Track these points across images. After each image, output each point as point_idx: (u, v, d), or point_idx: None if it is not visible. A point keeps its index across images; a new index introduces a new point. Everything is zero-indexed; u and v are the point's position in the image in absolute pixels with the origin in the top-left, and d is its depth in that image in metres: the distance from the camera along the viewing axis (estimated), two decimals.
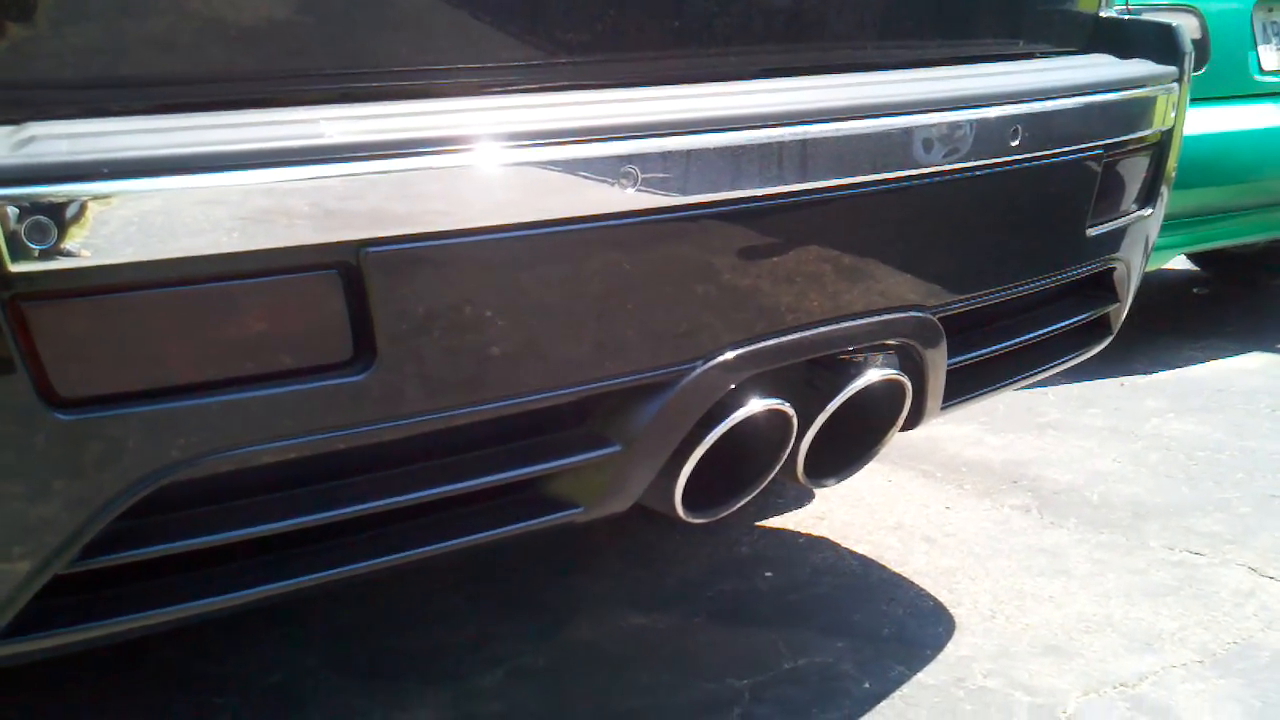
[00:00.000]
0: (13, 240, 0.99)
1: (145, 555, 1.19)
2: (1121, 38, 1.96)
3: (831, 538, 2.61)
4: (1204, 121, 3.58)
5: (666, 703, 2.00)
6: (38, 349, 1.04)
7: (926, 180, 1.55)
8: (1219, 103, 3.74)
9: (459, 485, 1.35)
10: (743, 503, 1.66)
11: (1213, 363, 3.89)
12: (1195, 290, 5.05)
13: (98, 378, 1.08)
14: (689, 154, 1.32)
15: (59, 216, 1.01)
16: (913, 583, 2.40)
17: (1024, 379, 1.99)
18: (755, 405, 1.51)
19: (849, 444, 1.77)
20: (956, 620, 2.25)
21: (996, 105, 1.61)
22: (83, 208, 1.01)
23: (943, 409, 1.80)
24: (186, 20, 1.11)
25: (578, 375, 1.35)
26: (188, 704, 2.03)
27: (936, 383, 1.74)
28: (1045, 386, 3.59)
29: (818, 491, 2.81)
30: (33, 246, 1.00)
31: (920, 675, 2.07)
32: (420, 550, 1.37)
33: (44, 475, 1.09)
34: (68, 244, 1.01)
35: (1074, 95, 1.73)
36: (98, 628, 1.20)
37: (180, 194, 1.05)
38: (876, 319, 1.60)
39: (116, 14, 1.08)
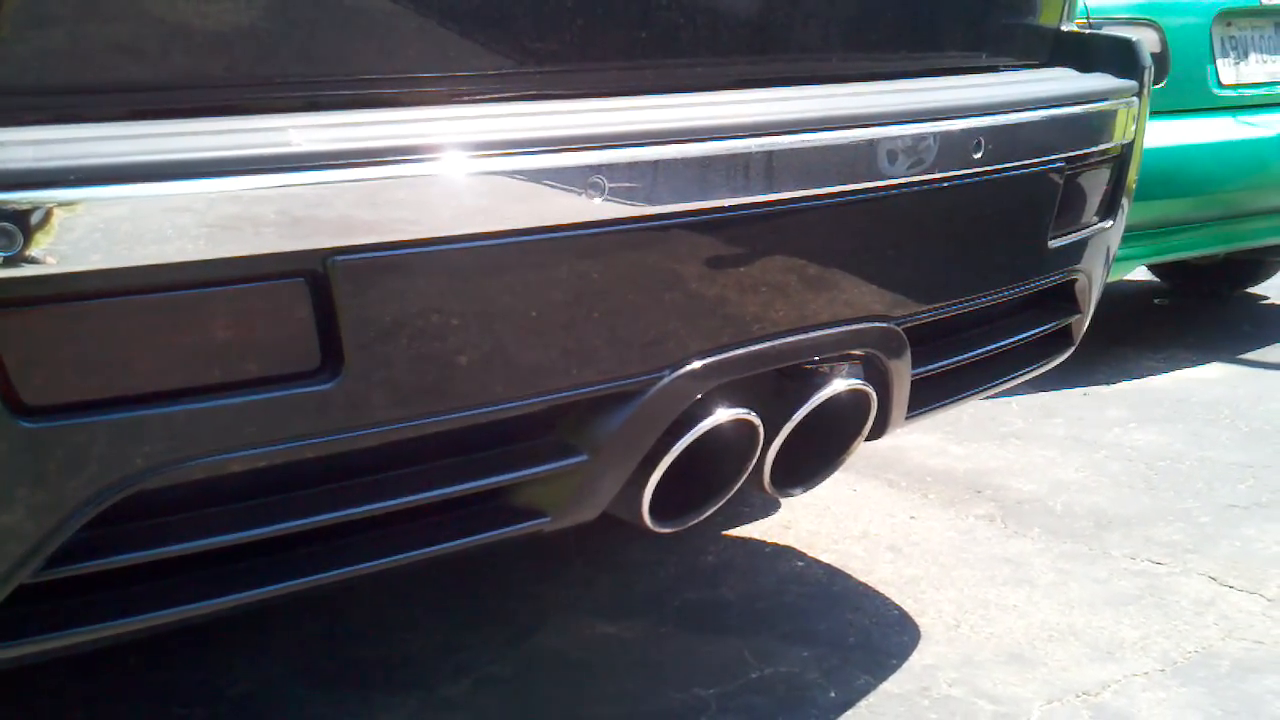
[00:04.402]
0: None
1: (110, 564, 1.18)
2: (1082, 52, 1.99)
3: (797, 547, 2.62)
4: (1164, 134, 3.62)
5: (633, 711, 2.00)
6: (2, 356, 1.04)
7: (891, 192, 1.57)
8: (1178, 116, 3.78)
9: (426, 494, 1.35)
10: (709, 512, 1.67)
11: (1174, 373, 3.93)
12: (1156, 301, 5.10)
13: (63, 385, 1.08)
14: (656, 164, 1.33)
15: (24, 223, 1.00)
16: (878, 592, 2.41)
17: (988, 389, 2.01)
18: (722, 415, 1.52)
19: (815, 453, 1.78)
20: (921, 629, 2.26)
21: (960, 118, 1.63)
22: (48, 214, 1.01)
23: (907, 419, 1.82)
24: (154, 27, 1.11)
25: (545, 384, 1.35)
26: (152, 714, 2.01)
27: (901, 393, 1.75)
28: (1009, 396, 3.61)
29: (784, 501, 2.82)
30: None
31: (885, 684, 2.07)
32: (387, 559, 1.37)
33: (7, 483, 1.08)
34: (33, 251, 1.01)
35: (1036, 108, 1.75)
36: (62, 637, 1.20)
37: (147, 201, 1.05)
38: (842, 329, 1.61)
39: (83, 20, 1.08)
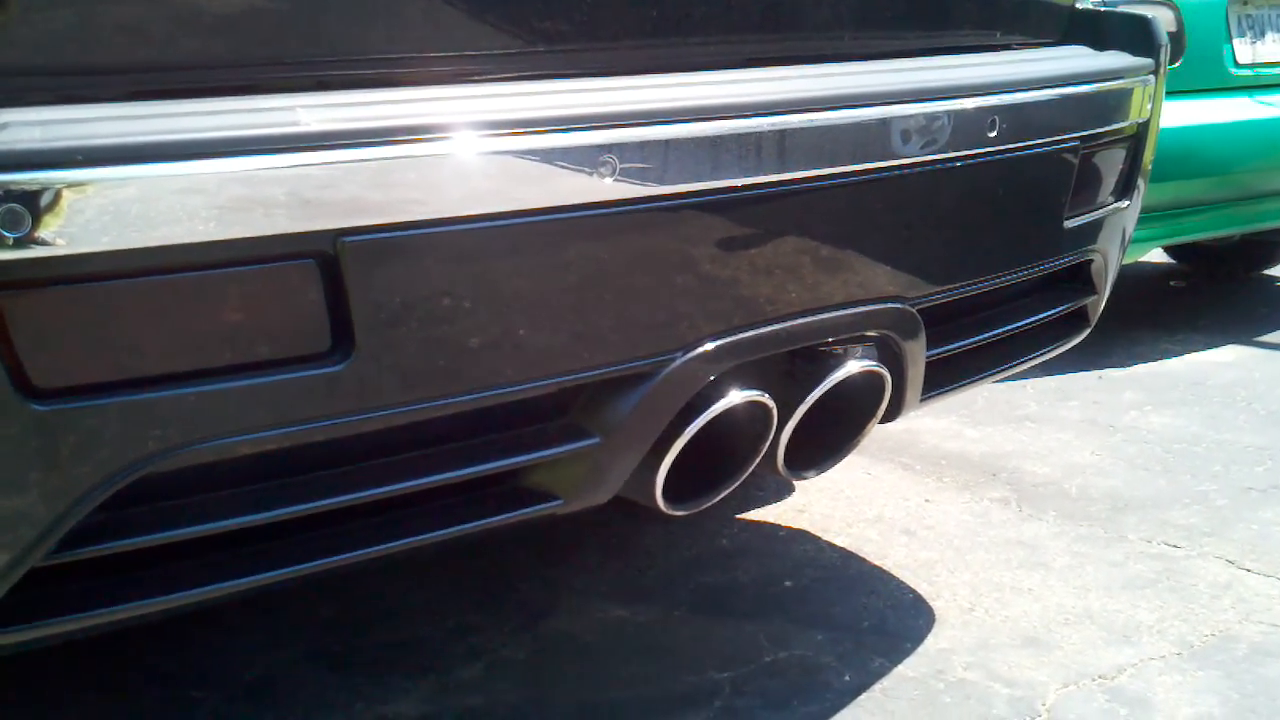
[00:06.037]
0: None
1: (122, 548, 1.18)
2: (1098, 30, 1.97)
3: (811, 530, 2.62)
4: (1180, 114, 3.59)
5: (647, 695, 2.00)
6: (12, 338, 1.04)
7: (905, 171, 1.56)
8: (1194, 96, 3.76)
9: (438, 477, 1.35)
10: (723, 495, 1.66)
11: (1189, 355, 3.91)
12: (1172, 283, 5.07)
13: (73, 368, 1.07)
14: (667, 143, 1.32)
15: (33, 204, 1.00)
16: (892, 575, 2.41)
17: (1003, 371, 2.00)
18: (735, 397, 1.51)
19: (829, 436, 1.77)
20: (936, 612, 2.25)
21: (974, 96, 1.62)
22: (57, 195, 1.01)
23: (922, 401, 1.81)
24: (162, 6, 1.11)
25: (557, 366, 1.35)
26: (166, 698, 2.02)
27: (916, 375, 1.74)
28: (1023, 379, 3.60)
29: (797, 484, 2.82)
30: (6, 235, 0.99)
31: (900, 667, 2.07)
32: (400, 542, 1.37)
33: (19, 466, 1.08)
34: (42, 232, 1.01)
35: (1051, 87, 1.74)
36: (75, 620, 1.20)
37: (156, 182, 1.04)
38: (856, 310, 1.60)
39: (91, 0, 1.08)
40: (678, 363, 1.43)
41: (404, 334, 1.21)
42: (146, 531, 1.19)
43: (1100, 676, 2.04)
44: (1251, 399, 3.47)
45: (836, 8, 1.61)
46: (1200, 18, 3.79)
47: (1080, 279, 2.05)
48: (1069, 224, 1.87)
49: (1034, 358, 2.05)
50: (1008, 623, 2.21)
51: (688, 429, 1.49)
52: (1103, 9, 2.01)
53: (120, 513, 1.17)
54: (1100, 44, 1.95)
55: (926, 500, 2.78)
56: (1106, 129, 1.87)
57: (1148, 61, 1.93)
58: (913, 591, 2.34)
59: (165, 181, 1.05)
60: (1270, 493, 2.79)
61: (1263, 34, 3.95)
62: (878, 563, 2.46)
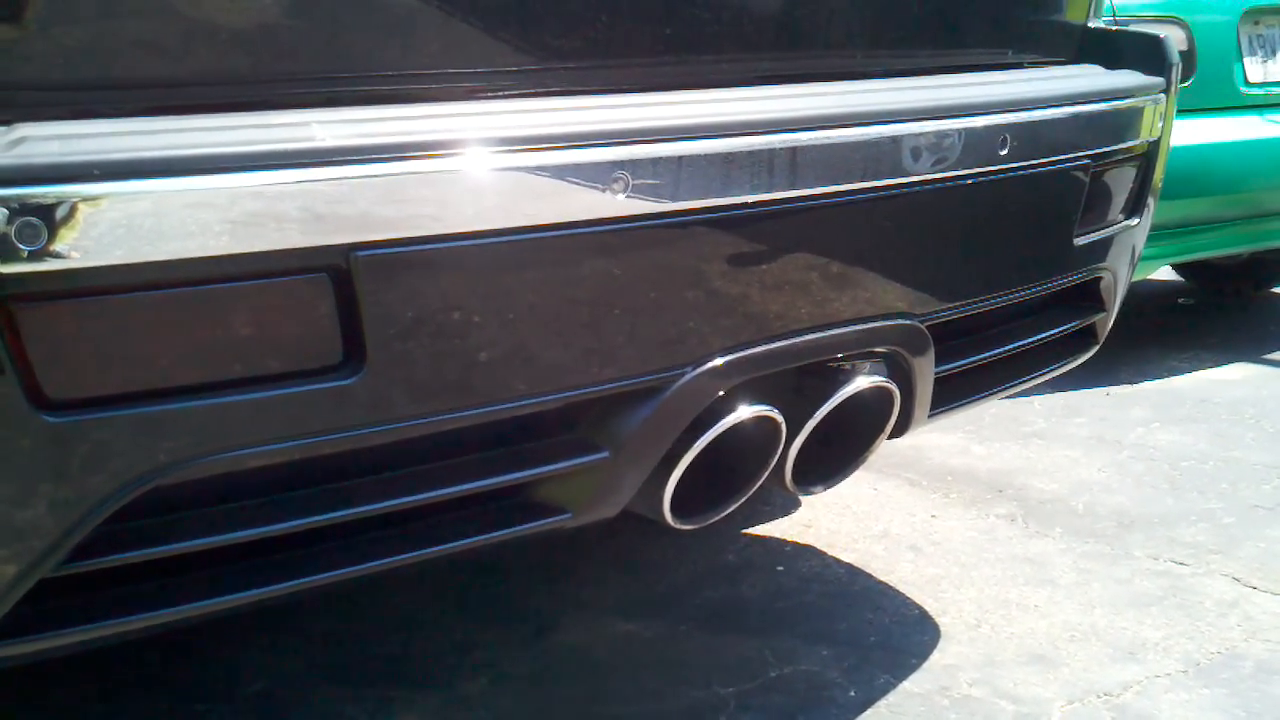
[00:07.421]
0: (2, 241, 0.99)
1: (133, 559, 1.18)
2: (1110, 48, 1.98)
3: (818, 546, 2.61)
4: (1190, 133, 3.60)
5: (652, 710, 2.00)
6: (26, 350, 1.04)
7: (916, 188, 1.56)
8: (1205, 114, 3.76)
9: (447, 490, 1.35)
10: (731, 509, 1.66)
11: (1197, 373, 3.91)
12: (1180, 301, 5.07)
13: (86, 380, 1.08)
14: (679, 160, 1.32)
15: (49, 218, 1.00)
16: (898, 591, 2.40)
17: (1011, 387, 2.00)
18: (744, 412, 1.51)
19: (837, 451, 1.77)
20: (942, 629, 2.25)
21: (986, 114, 1.62)
22: (73, 209, 1.01)
23: (930, 417, 1.81)
24: (178, 22, 1.11)
25: (567, 381, 1.35)
26: (171, 711, 2.02)
27: (924, 390, 1.74)
28: (1031, 395, 3.60)
29: (804, 500, 2.82)
30: (22, 247, 1.00)
31: (906, 684, 2.07)
32: (408, 555, 1.37)
33: (30, 478, 1.08)
34: (57, 245, 1.01)
35: (1062, 105, 1.74)
36: (84, 632, 1.19)
37: (171, 196, 1.05)
38: (865, 326, 1.60)
39: (108, 15, 1.08)
40: (687, 378, 1.43)
41: (416, 348, 1.21)
42: (157, 543, 1.19)
43: (1106, 694, 2.03)
44: (1259, 416, 3.47)
45: (850, 26, 1.61)
46: (1211, 37, 3.79)
47: (1089, 296, 2.05)
48: (1079, 241, 1.87)
49: (1042, 374, 2.05)
50: (1014, 639, 2.21)
51: (696, 444, 1.49)
52: (1115, 28, 2.02)
53: (131, 524, 1.18)
54: (1112, 63, 1.95)
55: (933, 516, 2.78)
56: (1117, 147, 1.87)
57: (1159, 80, 1.93)
58: (919, 607, 2.33)
59: (180, 196, 1.05)
60: (1278, 510, 2.79)
61: (1273, 53, 3.95)
62: (884, 578, 2.46)
